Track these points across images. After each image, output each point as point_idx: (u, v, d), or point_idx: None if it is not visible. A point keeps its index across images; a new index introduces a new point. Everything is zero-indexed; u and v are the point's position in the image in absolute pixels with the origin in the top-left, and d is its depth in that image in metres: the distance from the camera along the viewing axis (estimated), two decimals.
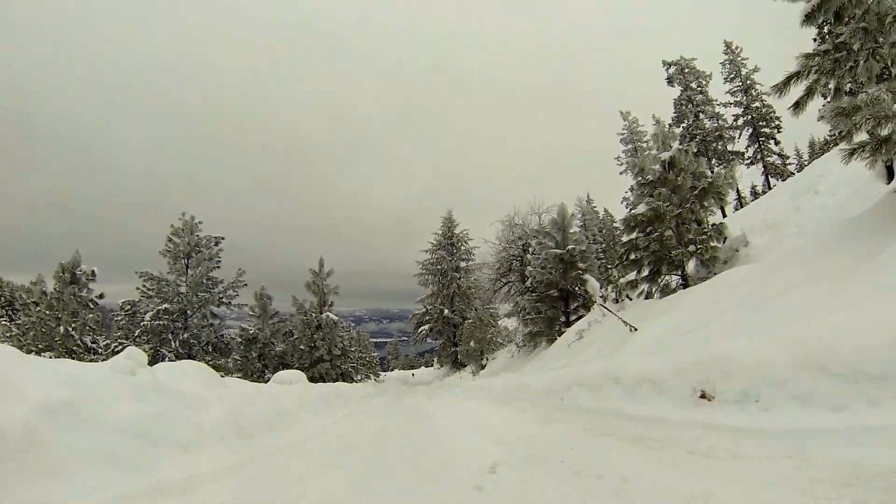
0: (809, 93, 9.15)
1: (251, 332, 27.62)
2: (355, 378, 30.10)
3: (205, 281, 26.09)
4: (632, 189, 33.20)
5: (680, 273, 16.98)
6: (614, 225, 45.01)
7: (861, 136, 8.10)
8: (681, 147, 17.66)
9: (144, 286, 25.38)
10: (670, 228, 16.61)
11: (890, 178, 11.92)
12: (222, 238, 27.30)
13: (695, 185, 16.82)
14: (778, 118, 33.29)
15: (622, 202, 35.20)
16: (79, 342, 22.93)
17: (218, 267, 26.78)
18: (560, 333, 23.26)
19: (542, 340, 25.48)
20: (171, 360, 22.60)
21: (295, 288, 29.26)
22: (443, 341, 42.39)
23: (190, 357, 24.64)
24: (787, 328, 5.33)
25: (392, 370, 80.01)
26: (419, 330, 42.58)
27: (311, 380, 25.97)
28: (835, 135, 30.67)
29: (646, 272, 17.76)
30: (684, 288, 16.18)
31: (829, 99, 9.07)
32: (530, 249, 30.04)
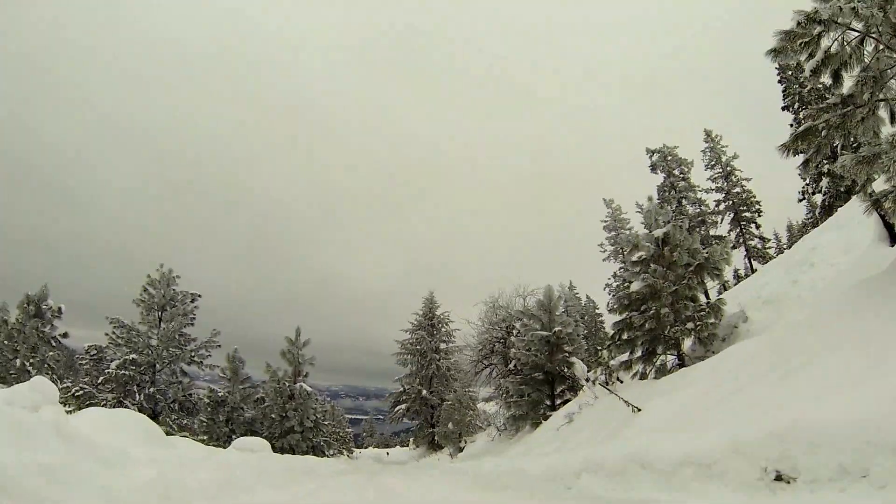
0: (818, 150, 8.56)
1: (220, 394, 25.62)
2: (327, 452, 28.36)
3: (177, 336, 24.95)
4: (614, 275, 32.22)
5: (676, 352, 15.82)
6: (596, 311, 44.16)
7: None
8: (674, 223, 16.95)
9: (114, 333, 23.97)
10: (666, 306, 15.57)
11: (893, 241, 11.42)
12: (198, 295, 26.33)
13: (690, 261, 15.94)
14: (758, 202, 33.74)
15: (605, 288, 34.12)
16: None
17: (192, 324, 25.72)
18: (545, 417, 21.72)
19: (526, 424, 23.87)
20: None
21: (268, 355, 27.35)
22: (420, 422, 40.36)
23: (155, 413, 23.30)
24: (853, 390, 4.13)
25: (366, 447, 76.15)
26: (396, 409, 40.48)
27: (281, 450, 24.08)
28: (814, 215, 30.99)
29: (639, 353, 16.58)
30: (680, 367, 15.00)
31: (840, 152, 8.53)
32: (514, 332, 28.73)
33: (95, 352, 26.48)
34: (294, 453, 23.92)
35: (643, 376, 16.40)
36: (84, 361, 27.03)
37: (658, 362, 16.29)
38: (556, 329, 22.95)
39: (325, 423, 28.03)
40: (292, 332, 27.64)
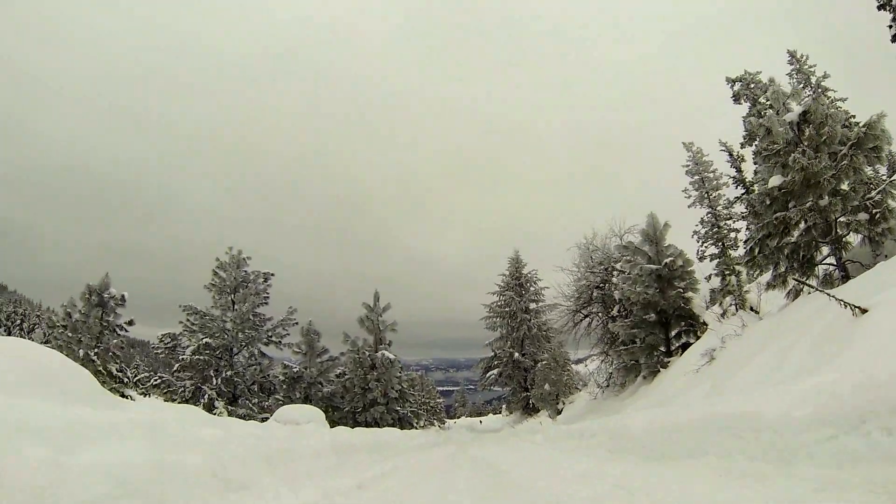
0: None
1: (295, 369, 23.19)
2: (416, 424, 25.50)
3: (251, 317, 23.35)
4: (701, 221, 26.85)
5: (836, 258, 11.63)
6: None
7: None
8: (816, 95, 12.61)
9: (188, 320, 22.94)
10: (827, 194, 11.37)
11: None
12: (271, 274, 24.39)
13: (846, 137, 11.62)
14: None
15: (692, 236, 29.08)
16: (101, 369, 19.53)
17: (266, 303, 23.96)
18: (663, 364, 17.82)
19: (635, 376, 20.07)
20: (212, 398, 21.23)
21: (349, 330, 24.79)
22: (513, 386, 37.07)
23: (234, 397, 22.13)
24: None
25: (458, 418, 73.90)
26: (487, 375, 37.27)
27: (365, 424, 21.38)
28: None
29: (783, 267, 12.50)
30: (845, 279, 10.86)
31: None
32: (615, 273, 24.55)
33: (170, 340, 24.82)
34: (379, 426, 21.26)
35: (797, 294, 12.29)
36: (159, 350, 25.35)
37: (817, 273, 12.13)
38: (667, 261, 18.88)
39: (413, 392, 25.16)
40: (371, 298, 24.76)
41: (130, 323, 20.96)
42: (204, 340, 22.41)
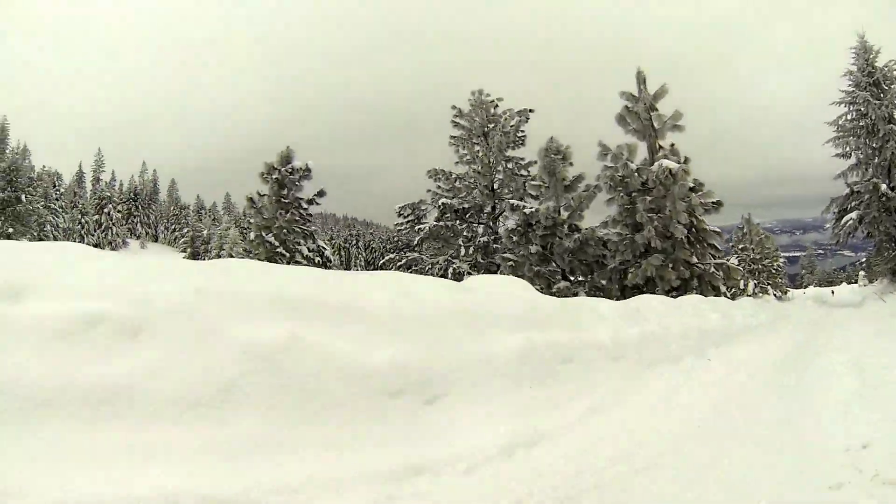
0: None
1: (529, 209, 15.30)
2: (744, 288, 19.46)
3: (504, 163, 19.84)
4: None
5: None
6: None
7: None
8: None
9: (439, 186, 20.34)
10: None
11: None
12: (531, 111, 19.73)
13: None
14: None
15: None
16: (281, 249, 16.80)
17: (522, 144, 19.95)
18: None
19: None
20: (459, 272, 18.62)
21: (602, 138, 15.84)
22: (878, 238, 23.27)
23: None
24: None
25: (806, 287, 59.20)
26: (843, 221, 23.80)
27: (634, 289, 12.89)
28: None
29: None
30: None
31: None
32: None
33: (409, 211, 21.28)
34: (655, 290, 12.47)
35: None
36: (401, 227, 21.06)
37: None
38: None
39: (715, 232, 15.04)
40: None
41: (320, 194, 17.92)
42: (441, 202, 19.64)
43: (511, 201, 16.01)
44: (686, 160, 13.68)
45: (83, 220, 56.12)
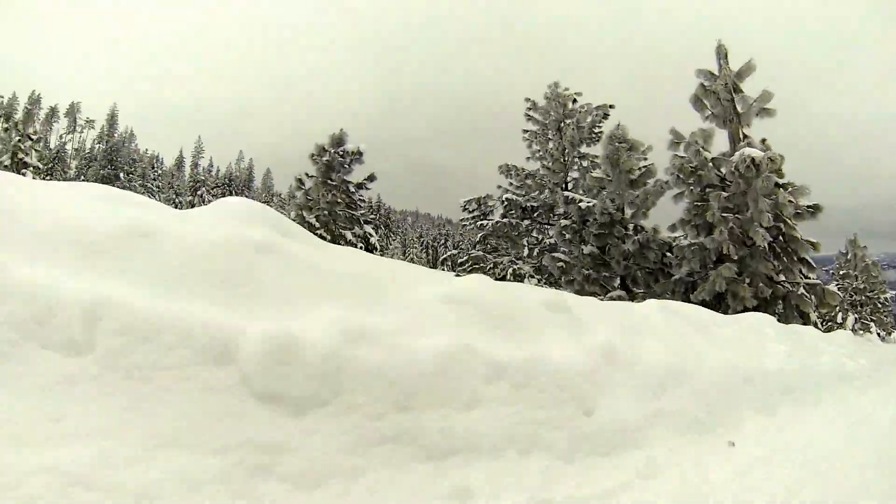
0: None
1: (585, 205, 13.41)
2: (841, 322, 16.49)
3: (577, 160, 17.94)
4: None
5: None
6: None
7: None
8: None
9: (511, 183, 18.57)
10: None
11: None
12: (611, 107, 17.62)
13: None
14: None
15: None
16: (322, 232, 15.53)
17: (595, 140, 17.56)
18: None
19: None
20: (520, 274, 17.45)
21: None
22: None
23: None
24: None
25: None
26: None
27: (703, 307, 10.55)
28: None
29: None
30: None
31: None
32: None
33: (475, 206, 19.79)
34: (725, 311, 10.08)
35: None
36: (465, 222, 20.25)
37: None
38: None
39: (810, 243, 12.19)
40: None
41: (370, 178, 17.18)
42: (506, 196, 17.99)
43: (566, 193, 14.10)
44: (779, 157, 10.96)
45: (177, 200, 59.23)
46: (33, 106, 51.91)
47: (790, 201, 10.93)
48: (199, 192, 62.58)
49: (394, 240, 66.50)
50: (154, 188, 54.38)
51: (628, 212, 13.41)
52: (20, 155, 26.66)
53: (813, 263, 11.69)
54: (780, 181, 10.93)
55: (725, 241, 10.51)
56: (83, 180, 52.25)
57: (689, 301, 11.30)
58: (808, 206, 11.34)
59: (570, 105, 18.20)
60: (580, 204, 13.30)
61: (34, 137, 28.99)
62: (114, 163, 46.67)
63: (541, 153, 18.73)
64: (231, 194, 76.16)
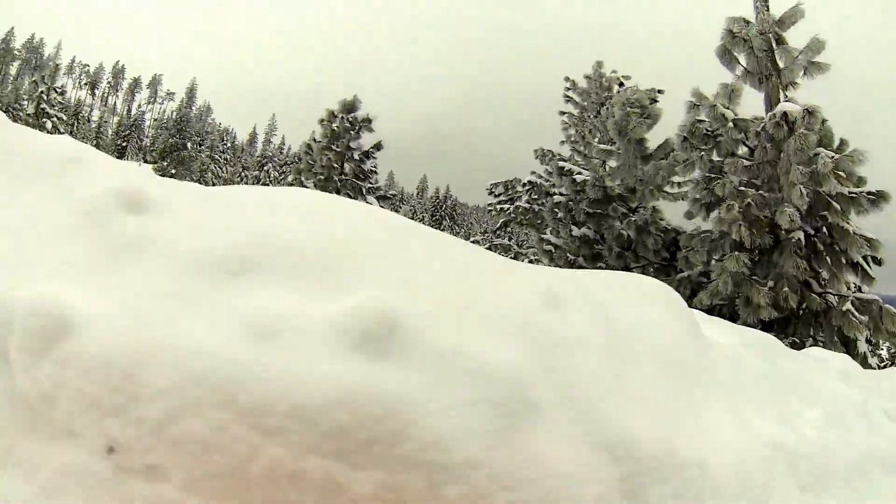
0: None
1: (578, 178, 10.94)
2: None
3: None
4: None
5: None
6: None
7: None
8: None
9: (547, 171, 16.79)
10: None
11: None
12: (659, 91, 14.16)
13: None
14: None
15: None
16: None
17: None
18: None
19: None
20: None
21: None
22: None
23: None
24: None
25: None
26: None
27: (708, 314, 7.79)
28: None
29: None
30: None
31: None
32: None
33: (503, 189, 19.21)
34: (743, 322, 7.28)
35: None
36: (492, 206, 19.85)
37: None
38: None
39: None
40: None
41: (377, 147, 16.19)
42: (528, 179, 17.04)
43: (560, 163, 11.55)
44: (820, 112, 7.75)
45: (244, 174, 60.72)
46: (117, 75, 54.81)
47: (840, 178, 7.71)
48: (265, 168, 64.08)
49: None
50: (221, 160, 55.80)
51: (638, 192, 10.73)
52: (42, 105, 27.46)
53: (870, 271, 8.44)
54: (824, 144, 7.75)
55: (737, 223, 7.52)
56: (154, 147, 54.77)
57: (691, 306, 8.51)
58: (869, 194, 8.11)
59: (615, 88, 16.38)
60: (575, 177, 10.72)
61: (58, 90, 29.94)
62: (182, 132, 48.27)
63: (574, 138, 17.43)
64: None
